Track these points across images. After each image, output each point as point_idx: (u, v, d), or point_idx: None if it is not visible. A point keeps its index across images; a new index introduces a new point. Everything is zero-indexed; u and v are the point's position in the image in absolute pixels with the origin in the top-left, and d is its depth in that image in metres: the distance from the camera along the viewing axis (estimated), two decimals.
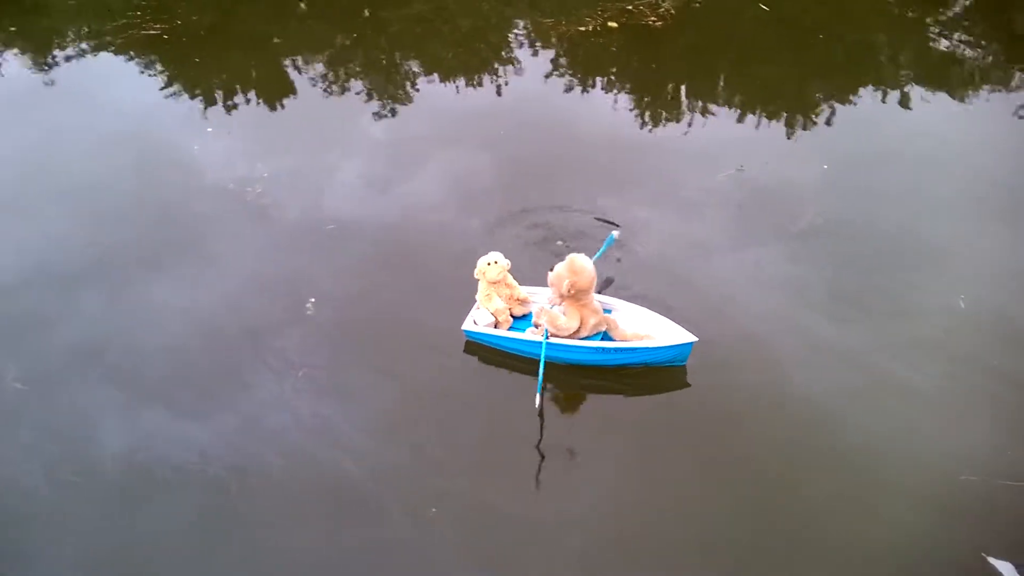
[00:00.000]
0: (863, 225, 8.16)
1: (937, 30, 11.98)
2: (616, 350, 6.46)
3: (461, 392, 6.70)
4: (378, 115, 10.47)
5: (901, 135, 9.67)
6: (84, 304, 7.61)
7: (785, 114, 10.21)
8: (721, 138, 9.75)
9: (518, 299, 7.02)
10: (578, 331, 6.47)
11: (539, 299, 7.04)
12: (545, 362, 6.31)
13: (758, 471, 5.97)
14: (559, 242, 8.05)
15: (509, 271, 6.88)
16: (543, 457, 6.16)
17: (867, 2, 12.87)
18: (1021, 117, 10.03)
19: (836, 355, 6.76)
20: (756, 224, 8.26)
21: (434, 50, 11.94)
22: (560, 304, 6.53)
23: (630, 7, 11.87)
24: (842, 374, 6.56)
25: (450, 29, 12.44)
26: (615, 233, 7.06)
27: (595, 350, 6.49)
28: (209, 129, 10.24)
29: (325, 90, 11.07)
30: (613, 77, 11.04)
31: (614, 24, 11.59)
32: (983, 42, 11.72)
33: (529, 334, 6.69)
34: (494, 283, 6.83)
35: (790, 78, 10.96)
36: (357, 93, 10.96)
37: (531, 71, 11.22)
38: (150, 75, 11.41)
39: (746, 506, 5.74)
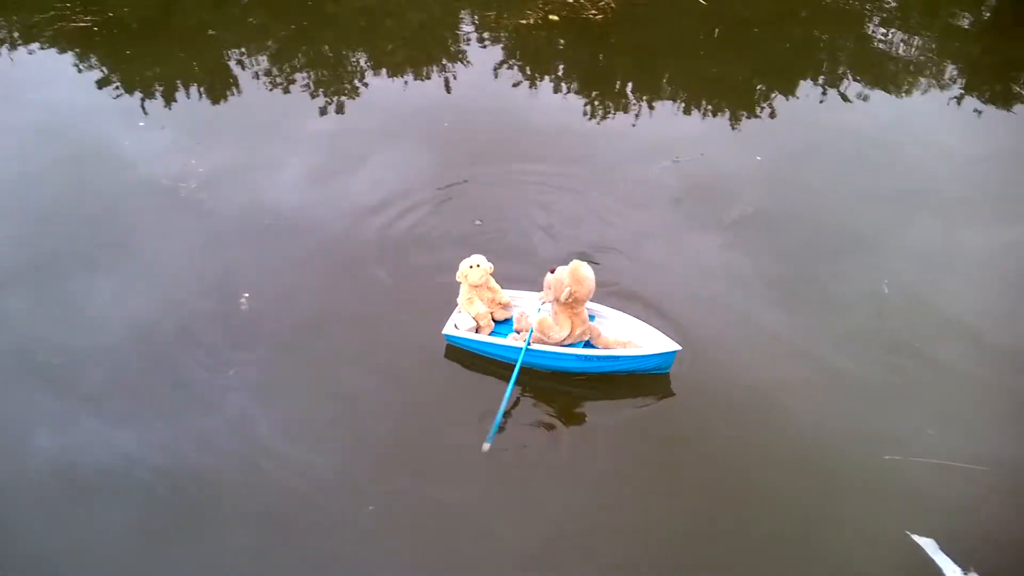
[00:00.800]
0: (794, 216, 8.32)
1: (874, 24, 12.27)
2: (599, 358, 6.34)
3: (394, 390, 6.57)
4: (322, 109, 10.34)
5: (836, 128, 9.88)
6: (12, 304, 7.38)
7: (723, 107, 10.35)
8: (660, 130, 9.85)
9: (500, 303, 6.83)
10: (564, 339, 6.38)
11: (521, 303, 6.91)
12: (522, 368, 6.22)
13: (704, 455, 6.05)
14: (476, 221, 8.18)
15: (492, 274, 6.70)
16: (500, 460, 6.04)
17: None
18: (952, 109, 10.31)
19: (768, 341, 6.87)
20: (691, 215, 8.36)
21: (379, 43, 11.82)
22: (550, 303, 6.41)
23: (571, 0, 11.91)
24: (774, 359, 6.67)
25: (394, 22, 12.34)
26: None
27: (579, 358, 6.36)
28: (141, 124, 10.00)
29: (266, 84, 10.90)
30: (554, 70, 11.08)
31: (555, 17, 11.63)
32: (917, 36, 12.03)
33: (511, 339, 6.54)
34: (476, 287, 6.64)
35: (729, 72, 11.10)
36: (300, 87, 10.81)
37: (475, 64, 11.21)
38: (80, 68, 11.11)
39: (693, 491, 5.82)
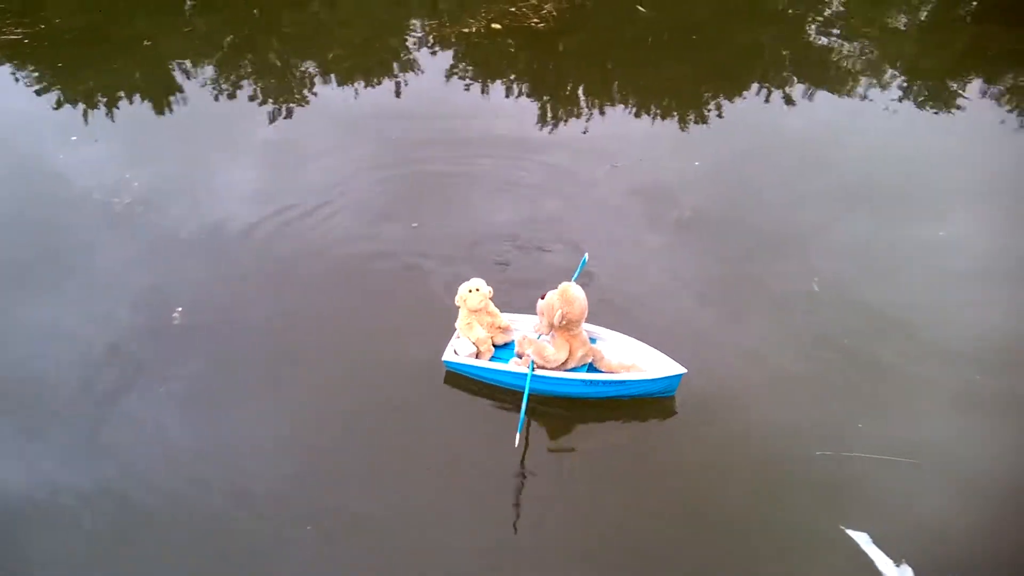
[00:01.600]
0: (732, 217, 8.38)
1: (815, 27, 12.46)
2: (605, 383, 6.18)
3: (336, 405, 6.45)
4: (268, 119, 10.21)
5: (777, 130, 10.00)
6: None
7: (666, 112, 10.43)
8: (602, 136, 9.89)
9: (500, 327, 6.64)
10: (565, 362, 6.22)
11: (520, 326, 6.76)
12: (529, 395, 6.05)
13: (637, 455, 6.06)
14: (414, 224, 8.20)
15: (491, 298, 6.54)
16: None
17: (748, 1, 13.32)
18: (891, 110, 10.49)
19: (703, 339, 6.90)
20: (630, 219, 8.40)
21: (326, 51, 11.73)
22: (548, 334, 6.28)
23: (513, 8, 11.95)
24: (709, 357, 6.66)
25: (342, 31, 12.24)
26: (586, 256, 6.84)
27: (584, 383, 6.21)
28: (73, 137, 9.78)
29: (209, 94, 10.74)
30: (494, 78, 11.07)
31: (497, 26, 11.63)
32: (858, 39, 12.23)
33: (513, 365, 6.36)
34: (475, 311, 6.46)
35: (672, 77, 11.20)
36: (245, 97, 10.67)
37: (424, 72, 11.16)
38: (12, 81, 10.82)
39: (627, 483, 5.85)
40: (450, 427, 6.29)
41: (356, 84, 10.99)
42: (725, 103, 10.64)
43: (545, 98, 10.65)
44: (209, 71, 11.21)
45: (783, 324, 7.08)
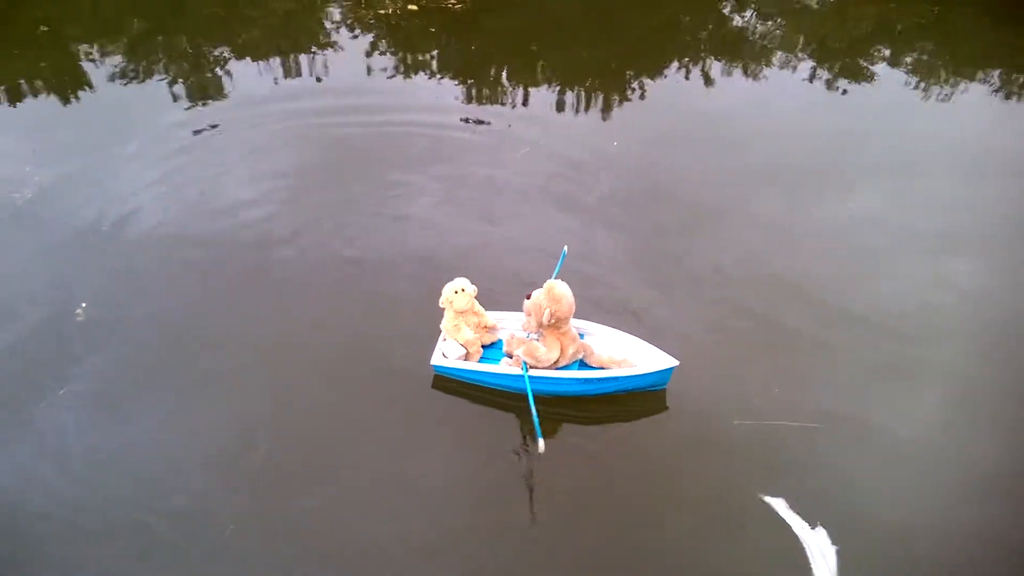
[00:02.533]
0: (647, 195, 8.46)
1: (730, 6, 12.61)
2: (600, 380, 6.10)
3: (248, 407, 6.24)
4: (181, 107, 9.84)
5: (695, 109, 10.10)
6: None
7: (583, 92, 10.41)
8: (519, 117, 9.82)
9: (486, 327, 6.50)
10: (557, 361, 6.12)
11: (508, 324, 6.61)
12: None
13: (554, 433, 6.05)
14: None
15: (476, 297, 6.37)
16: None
17: None
18: (804, 88, 10.70)
19: (622, 313, 6.95)
20: (547, 199, 8.41)
21: (240, 35, 11.37)
22: (536, 333, 6.16)
23: None
24: (630, 332, 6.65)
25: (257, 12, 11.84)
26: (566, 248, 6.69)
27: (579, 381, 6.12)
28: None
29: (113, 82, 10.26)
30: (412, 60, 10.88)
31: (414, 7, 11.44)
32: (772, 17, 12.42)
33: (505, 366, 6.23)
34: (462, 312, 6.30)
35: (587, 59, 11.20)
36: (155, 84, 10.26)
37: (342, 56, 10.93)
38: None
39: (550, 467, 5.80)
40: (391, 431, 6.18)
41: (272, 69, 10.65)
42: (648, 80, 10.69)
43: (462, 80, 10.52)
44: (116, 58, 10.72)
45: (697, 297, 7.18)
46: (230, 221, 8.01)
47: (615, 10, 12.30)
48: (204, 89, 10.14)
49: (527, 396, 5.83)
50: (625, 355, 6.30)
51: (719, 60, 11.17)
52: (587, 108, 10.11)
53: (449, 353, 6.32)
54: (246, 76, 10.52)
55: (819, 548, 5.39)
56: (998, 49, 11.68)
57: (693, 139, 9.48)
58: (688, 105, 10.23)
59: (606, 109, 10.07)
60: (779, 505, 5.64)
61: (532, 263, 7.41)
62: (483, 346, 6.53)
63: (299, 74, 10.57)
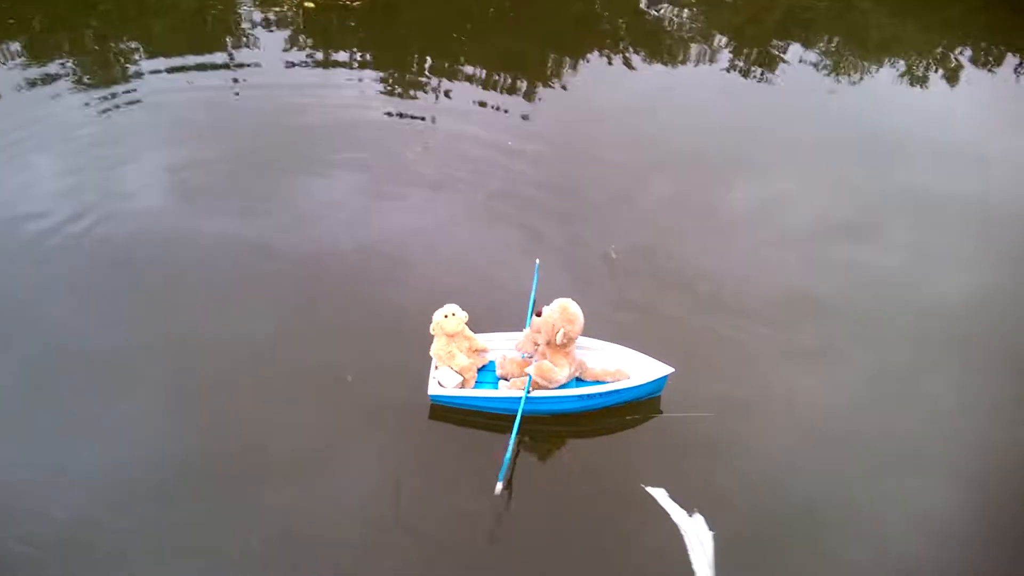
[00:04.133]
0: (546, 186, 8.29)
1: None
2: (602, 395, 5.95)
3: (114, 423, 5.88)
4: (86, 104, 9.31)
5: (610, 99, 9.95)
6: None
7: (493, 85, 10.18)
8: (416, 112, 9.54)
9: (477, 350, 6.22)
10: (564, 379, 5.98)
11: (495, 345, 6.36)
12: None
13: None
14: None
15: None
16: None
17: None
18: (719, 77, 10.67)
19: (509, 303, 6.77)
20: (445, 192, 8.23)
21: (149, 29, 10.90)
22: (531, 352, 6.04)
23: None
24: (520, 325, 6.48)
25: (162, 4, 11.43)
26: (538, 262, 6.64)
27: (580, 398, 5.96)
28: None
29: (13, 79, 9.66)
30: (311, 56, 10.59)
31: (311, 4, 11.18)
32: (687, 7, 12.36)
33: (506, 390, 6.00)
34: (452, 336, 6.01)
35: (494, 51, 10.96)
36: (60, 81, 9.66)
37: (243, 50, 10.58)
38: None
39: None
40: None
41: (187, 62, 10.16)
42: (560, 71, 10.58)
43: (360, 77, 10.20)
44: (14, 52, 10.19)
45: (586, 290, 6.93)
46: (140, 224, 7.64)
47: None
48: (112, 85, 9.64)
49: (513, 423, 5.64)
50: (618, 366, 6.15)
51: (635, 51, 11.07)
52: (486, 101, 9.83)
53: (445, 382, 6.03)
54: (151, 74, 10.00)
55: (696, 535, 5.34)
56: (903, 36, 11.88)
57: (607, 128, 9.33)
58: (601, 96, 10.07)
59: (494, 103, 9.76)
60: (660, 495, 5.56)
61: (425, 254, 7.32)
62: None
63: (202, 73, 10.11)
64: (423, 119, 9.31)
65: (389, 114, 9.41)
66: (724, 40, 11.65)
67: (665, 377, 6.04)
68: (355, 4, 11.17)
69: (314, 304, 6.86)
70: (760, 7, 12.68)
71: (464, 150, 8.78)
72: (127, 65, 10.13)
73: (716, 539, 5.24)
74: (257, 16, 11.17)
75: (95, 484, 5.47)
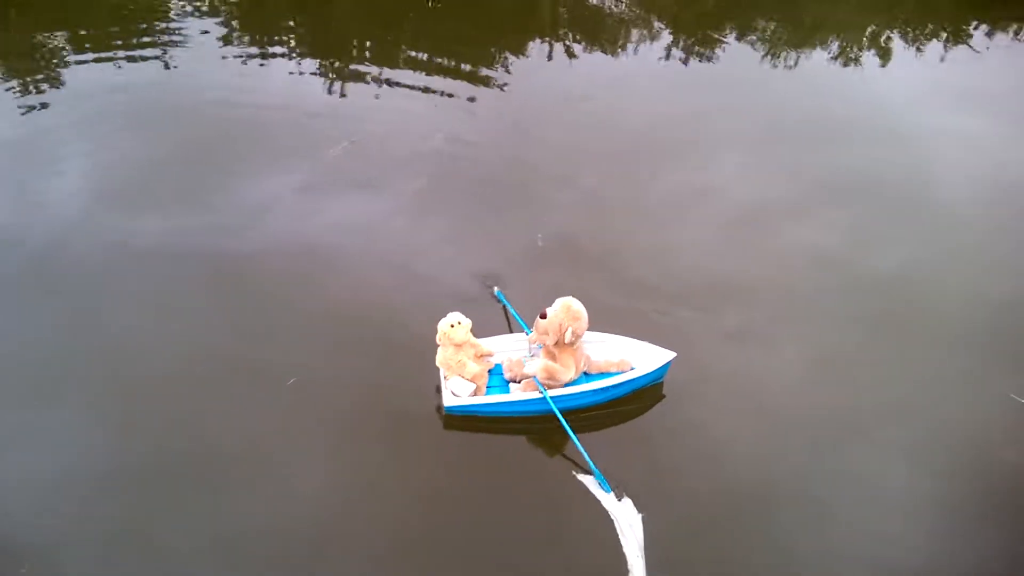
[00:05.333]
0: (471, 176, 8.37)
1: None
2: (613, 387, 5.97)
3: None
4: (16, 106, 9.09)
5: (551, 86, 10.02)
6: None
7: (414, 76, 10.11)
8: (348, 107, 9.52)
9: (483, 355, 6.12)
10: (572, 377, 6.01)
11: (499, 347, 6.29)
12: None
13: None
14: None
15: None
16: None
17: None
18: (660, 63, 10.78)
19: (431, 293, 6.82)
20: (375, 188, 8.21)
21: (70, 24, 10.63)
22: (538, 349, 6.08)
23: None
24: (434, 312, 6.24)
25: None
26: (496, 288, 6.81)
27: (595, 392, 5.96)
28: None
29: None
30: (240, 48, 10.45)
31: None
32: None
33: (520, 394, 5.98)
34: (459, 344, 5.93)
35: (446, 36, 10.97)
36: None
37: (180, 50, 10.35)
38: None
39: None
40: None
41: (118, 57, 9.97)
42: (500, 60, 10.54)
43: (293, 70, 10.12)
44: None
45: (511, 276, 7.10)
46: (70, 226, 7.50)
47: None
48: (40, 85, 9.44)
49: (560, 420, 5.75)
50: (621, 356, 6.22)
51: (576, 40, 11.12)
52: (415, 95, 9.75)
53: (459, 391, 5.97)
54: (82, 69, 9.81)
55: (626, 519, 5.41)
56: (836, 18, 12.10)
57: (550, 116, 9.39)
58: (544, 83, 10.12)
59: (434, 96, 9.70)
60: (589, 483, 5.65)
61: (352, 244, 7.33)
62: None
63: (142, 60, 9.99)
64: (354, 115, 9.25)
65: (319, 110, 9.32)
66: (662, 26, 11.77)
67: (668, 363, 6.13)
68: None
69: (245, 305, 6.81)
70: None
71: (396, 145, 8.76)
72: (51, 59, 9.90)
73: (645, 522, 5.34)
74: (188, 7, 10.96)
75: (29, 491, 5.43)
